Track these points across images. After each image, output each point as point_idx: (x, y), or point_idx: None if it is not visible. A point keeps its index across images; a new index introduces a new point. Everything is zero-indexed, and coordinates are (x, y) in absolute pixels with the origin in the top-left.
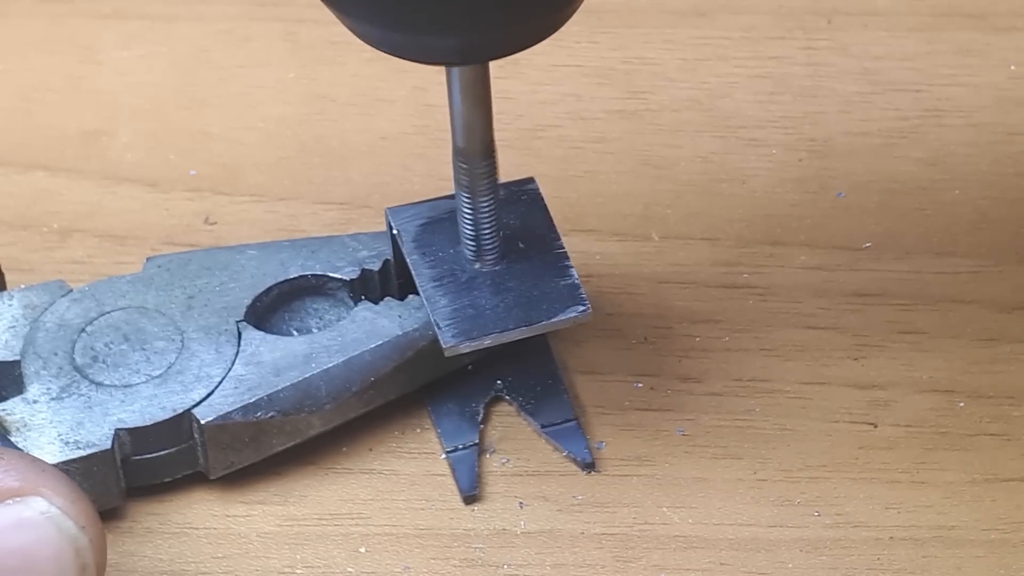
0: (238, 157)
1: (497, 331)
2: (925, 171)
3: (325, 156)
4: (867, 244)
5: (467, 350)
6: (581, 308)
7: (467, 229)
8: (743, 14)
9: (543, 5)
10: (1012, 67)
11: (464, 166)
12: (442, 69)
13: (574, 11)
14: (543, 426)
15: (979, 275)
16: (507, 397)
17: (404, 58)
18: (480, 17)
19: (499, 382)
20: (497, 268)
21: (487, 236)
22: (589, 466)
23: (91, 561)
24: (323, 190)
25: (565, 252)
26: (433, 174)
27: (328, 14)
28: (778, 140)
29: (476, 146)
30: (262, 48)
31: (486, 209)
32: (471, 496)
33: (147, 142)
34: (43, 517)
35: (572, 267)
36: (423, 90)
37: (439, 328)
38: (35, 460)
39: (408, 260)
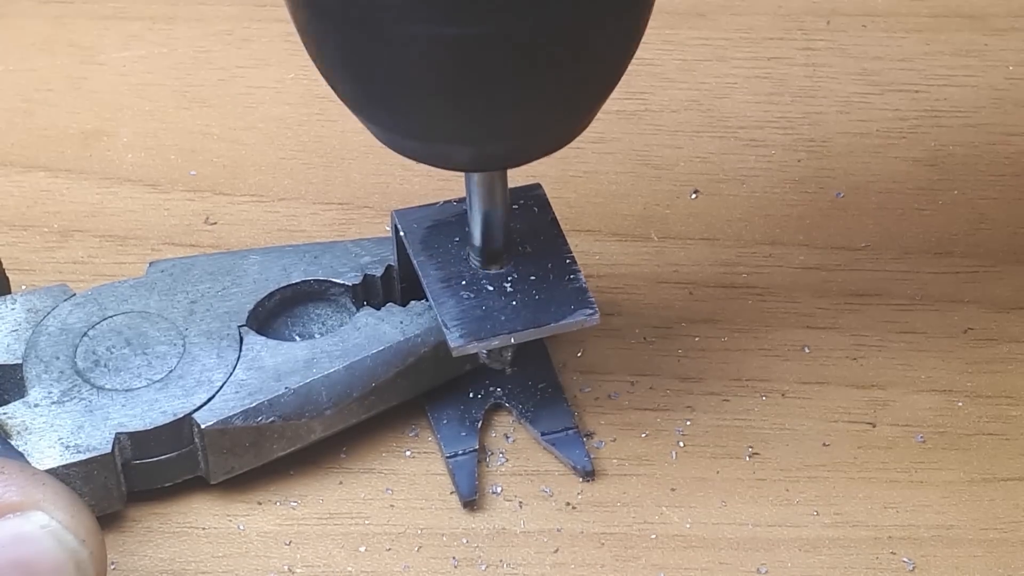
0: (238, 157)
1: (505, 332)
2: (923, 171)
3: (325, 156)
4: (865, 244)
5: (475, 351)
6: (589, 312)
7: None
8: (742, 15)
9: (561, 119)
10: (1010, 68)
11: (478, 260)
12: None
13: (591, 120)
14: (543, 434)
15: (977, 275)
16: (507, 405)
17: (421, 162)
18: (496, 130)
19: (499, 390)
20: (505, 271)
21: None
22: (589, 475)
23: (92, 574)
24: (323, 190)
25: (573, 257)
26: (433, 174)
27: None
28: (777, 140)
29: (492, 245)
30: (262, 49)
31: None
32: (471, 502)
33: (147, 142)
34: (43, 531)
35: (580, 272)
36: None
37: (447, 328)
38: (36, 473)
39: (415, 262)
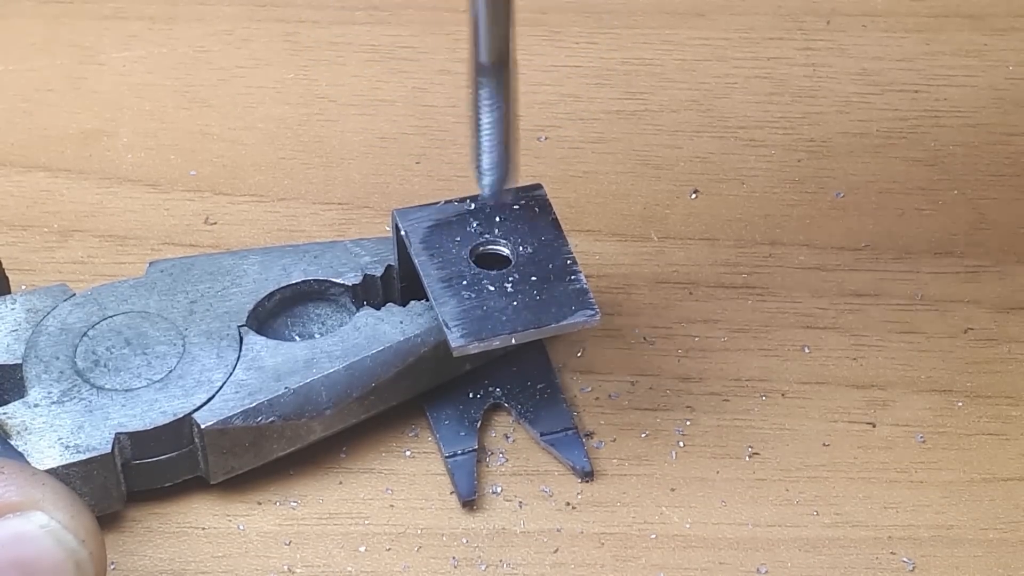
0: (238, 157)
1: (506, 332)
2: (923, 171)
3: (325, 156)
4: (865, 244)
5: (475, 351)
6: (590, 313)
7: (480, 142)
8: (742, 15)
9: None
10: (1010, 68)
11: (483, 80)
12: (443, 69)
13: None
14: (542, 434)
15: (977, 275)
16: (506, 405)
17: None
18: None
19: (498, 390)
20: (505, 271)
21: (498, 151)
22: (588, 475)
23: (92, 574)
24: (323, 190)
25: (574, 258)
26: (433, 174)
27: (328, 15)
28: (777, 140)
29: (496, 59)
30: (262, 49)
31: (499, 123)
32: (470, 502)
33: (147, 142)
34: (43, 531)
35: (581, 272)
36: (423, 91)
37: (448, 328)
38: (36, 473)
39: (416, 261)
